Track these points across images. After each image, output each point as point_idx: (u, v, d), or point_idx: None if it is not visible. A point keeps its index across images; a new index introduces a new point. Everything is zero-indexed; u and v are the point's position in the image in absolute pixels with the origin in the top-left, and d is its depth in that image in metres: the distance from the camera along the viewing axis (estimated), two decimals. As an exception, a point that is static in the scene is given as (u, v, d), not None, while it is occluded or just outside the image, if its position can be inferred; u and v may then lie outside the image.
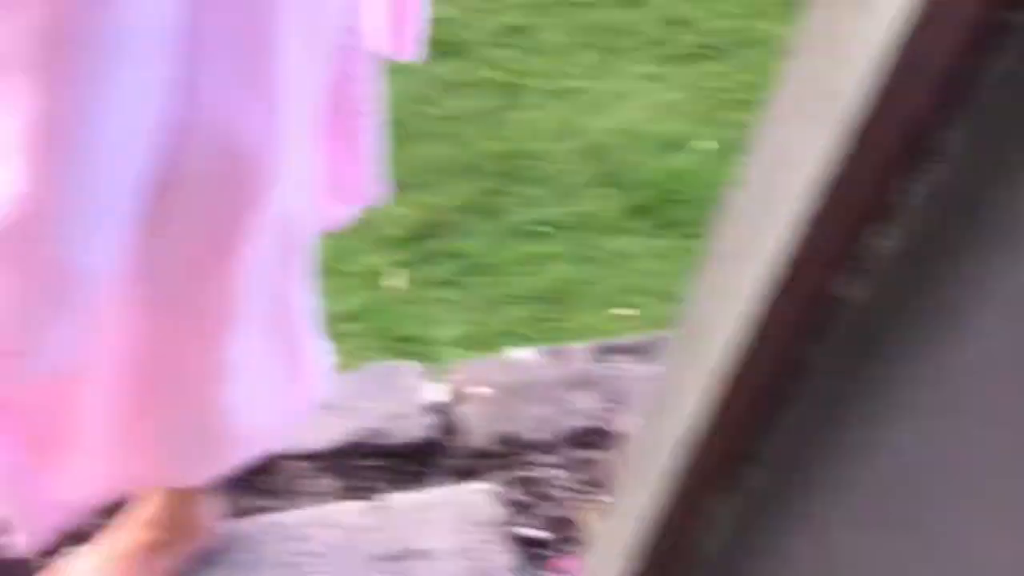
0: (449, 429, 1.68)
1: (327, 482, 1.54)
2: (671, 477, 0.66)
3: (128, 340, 0.89)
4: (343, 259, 2.35)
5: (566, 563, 1.38)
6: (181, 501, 1.22)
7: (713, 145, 2.83)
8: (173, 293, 0.88)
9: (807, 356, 0.51)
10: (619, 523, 0.79)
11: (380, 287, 2.34)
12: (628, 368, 1.81)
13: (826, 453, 0.52)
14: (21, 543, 1.04)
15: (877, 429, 0.48)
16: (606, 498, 0.95)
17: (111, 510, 1.29)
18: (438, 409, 1.72)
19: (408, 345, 2.15)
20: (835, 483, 0.51)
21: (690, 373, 0.63)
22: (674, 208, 2.61)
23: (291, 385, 1.12)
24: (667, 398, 0.70)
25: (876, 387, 0.48)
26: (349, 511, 1.39)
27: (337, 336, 1.23)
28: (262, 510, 1.47)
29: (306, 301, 1.08)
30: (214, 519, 1.29)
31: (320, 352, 1.15)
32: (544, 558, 1.47)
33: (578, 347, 1.85)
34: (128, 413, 0.95)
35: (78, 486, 1.01)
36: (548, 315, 2.27)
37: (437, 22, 1.22)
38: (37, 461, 0.97)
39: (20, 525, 1.02)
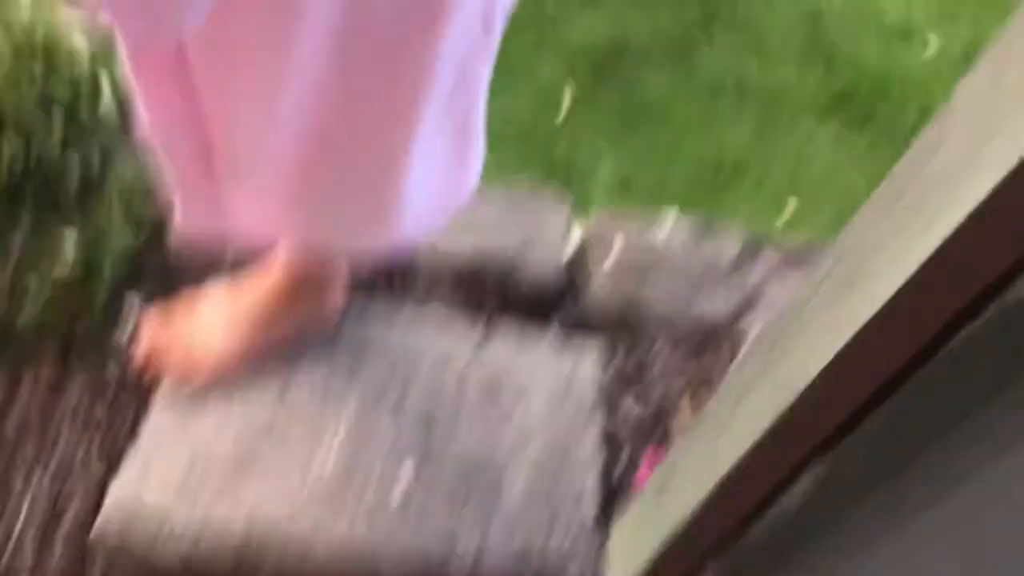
0: (578, 275, 1.66)
1: (446, 294, 1.56)
2: (778, 418, 0.63)
3: (322, 94, 0.87)
4: (519, 61, 2.27)
5: (652, 457, 1.39)
6: (311, 279, 1.25)
7: (948, 45, 2.54)
8: (373, 53, 0.85)
9: (951, 344, 0.45)
10: (701, 458, 0.77)
11: (546, 100, 2.26)
12: (774, 271, 1.73)
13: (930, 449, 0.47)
14: (176, 223, 1.06)
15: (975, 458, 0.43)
16: (703, 408, 0.92)
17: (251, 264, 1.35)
18: (573, 252, 1.69)
19: (560, 172, 2.09)
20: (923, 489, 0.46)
21: (832, 314, 0.58)
22: (881, 104, 2.39)
23: (457, 172, 1.10)
24: (801, 333, 0.65)
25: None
26: (459, 332, 1.41)
27: (492, 138, 1.17)
28: (387, 297, 1.50)
29: (484, 90, 1.03)
30: (336, 304, 1.32)
31: (480, 147, 1.11)
32: (631, 442, 1.48)
33: (730, 233, 1.77)
34: (310, 160, 0.93)
35: (244, 211, 1.02)
36: (711, 182, 2.17)
37: None
38: (208, 169, 0.97)
39: (180, 204, 1.04)
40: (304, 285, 1.29)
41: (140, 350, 1.28)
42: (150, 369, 1.29)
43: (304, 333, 1.32)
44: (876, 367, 0.53)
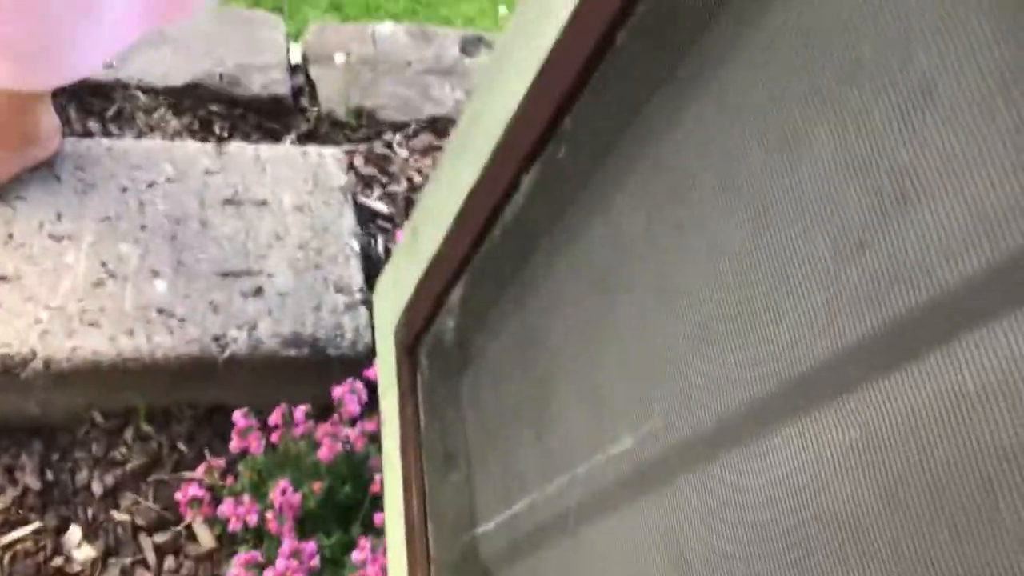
0: (304, 92, 1.67)
1: (170, 120, 1.51)
2: (494, 150, 0.71)
3: None
4: None
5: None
6: (11, 104, 1.18)
7: None
8: None
9: (617, 43, 0.55)
10: (446, 190, 0.85)
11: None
12: (492, 64, 1.81)
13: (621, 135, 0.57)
14: None
15: (671, 117, 0.53)
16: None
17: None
18: (296, 68, 1.69)
19: (272, -1, 2.04)
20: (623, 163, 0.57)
21: (518, 57, 0.66)
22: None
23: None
24: (496, 80, 0.73)
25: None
26: (191, 150, 1.39)
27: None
28: (104, 136, 1.44)
29: None
30: (48, 133, 1.26)
31: None
32: (384, 230, 1.55)
33: (447, 32, 1.83)
34: None
35: None
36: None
37: None
38: None
39: None
40: (1, 122, 1.21)
41: None
42: None
43: (19, 173, 1.25)
44: (561, 79, 0.61)
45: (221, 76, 1.56)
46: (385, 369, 1.05)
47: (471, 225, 0.75)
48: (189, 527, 1.16)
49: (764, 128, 0.44)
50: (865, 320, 0.38)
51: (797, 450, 0.41)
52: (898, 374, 0.36)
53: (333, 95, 1.65)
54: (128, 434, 1.20)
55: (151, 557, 1.12)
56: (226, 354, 1.19)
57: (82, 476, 1.16)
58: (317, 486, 1.10)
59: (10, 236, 1.20)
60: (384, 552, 1.05)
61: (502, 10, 2.26)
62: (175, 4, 1.10)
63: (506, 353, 0.74)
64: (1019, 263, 0.32)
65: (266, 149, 1.44)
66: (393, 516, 0.97)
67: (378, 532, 1.11)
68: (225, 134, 1.53)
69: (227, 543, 1.15)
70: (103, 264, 1.21)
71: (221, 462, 1.15)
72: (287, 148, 1.48)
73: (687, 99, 0.50)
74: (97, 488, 1.15)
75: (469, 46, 1.82)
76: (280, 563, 1.01)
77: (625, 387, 0.54)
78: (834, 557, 0.38)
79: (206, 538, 1.15)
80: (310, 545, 1.03)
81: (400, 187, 1.59)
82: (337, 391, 1.17)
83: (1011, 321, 0.32)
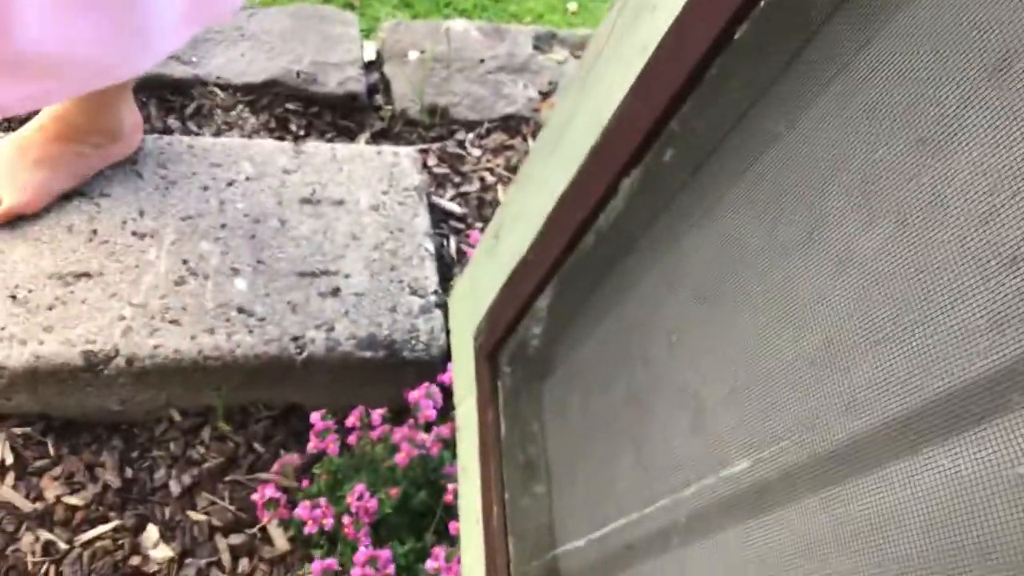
0: (379, 89, 1.66)
1: (248, 117, 1.52)
2: (590, 152, 0.68)
3: None
4: None
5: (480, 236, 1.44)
6: (93, 100, 1.19)
7: None
8: None
9: (736, 36, 0.51)
10: (534, 193, 0.82)
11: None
12: (567, 61, 1.78)
13: (736, 135, 0.54)
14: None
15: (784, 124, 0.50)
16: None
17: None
18: (370, 66, 1.68)
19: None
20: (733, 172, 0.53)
21: (628, 44, 0.63)
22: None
23: None
24: (592, 78, 0.70)
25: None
26: (269, 148, 1.39)
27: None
28: (183, 133, 1.45)
29: None
30: (130, 129, 1.27)
31: None
32: (457, 231, 1.53)
33: (520, 29, 1.80)
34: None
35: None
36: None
37: None
38: None
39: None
40: (83, 120, 1.22)
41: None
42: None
43: (102, 169, 1.26)
44: (670, 78, 0.58)
45: (298, 73, 1.56)
46: (463, 374, 1.03)
47: (562, 230, 0.73)
48: (264, 529, 1.16)
49: (910, 123, 0.40)
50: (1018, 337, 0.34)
51: (941, 474, 0.38)
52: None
53: (407, 92, 1.64)
54: (205, 433, 1.21)
55: (226, 559, 1.12)
56: (304, 355, 1.18)
57: (160, 474, 1.17)
58: (394, 492, 1.09)
59: (94, 232, 1.22)
60: (458, 561, 1.03)
61: (571, 6, 2.23)
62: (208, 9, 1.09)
63: (598, 364, 0.71)
64: None
65: (342, 148, 1.43)
66: (469, 525, 0.95)
67: (451, 541, 1.10)
68: (301, 132, 1.53)
69: (301, 546, 1.15)
70: (184, 262, 1.22)
71: (296, 460, 1.15)
72: (362, 147, 1.47)
73: (817, 87, 0.47)
74: (175, 487, 1.16)
75: (542, 43, 1.79)
76: (356, 572, 1.00)
77: (736, 405, 0.51)
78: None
79: (280, 541, 1.15)
80: (385, 552, 1.02)
81: (473, 187, 1.58)
82: (412, 395, 1.16)
83: None
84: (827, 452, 0.45)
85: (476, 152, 1.63)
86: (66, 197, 1.24)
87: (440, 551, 1.04)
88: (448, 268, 1.42)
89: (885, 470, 0.42)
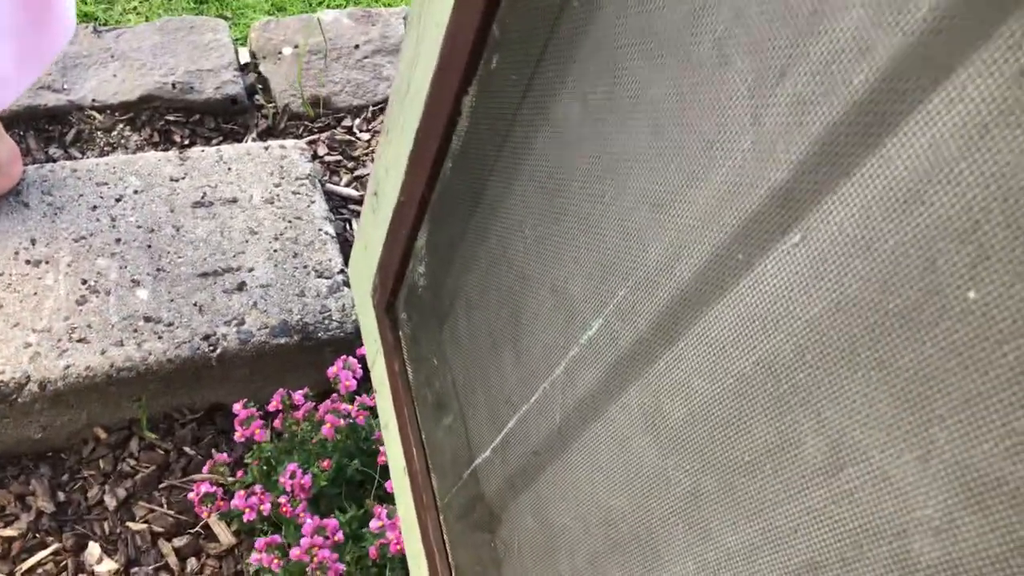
0: (257, 90, 1.67)
1: (130, 135, 1.51)
2: (431, 80, 0.71)
3: None
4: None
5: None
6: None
7: None
8: None
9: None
10: (397, 141, 0.85)
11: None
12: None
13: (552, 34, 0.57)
14: None
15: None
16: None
17: None
18: (245, 68, 1.69)
19: (212, 6, 2.04)
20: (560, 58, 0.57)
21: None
22: None
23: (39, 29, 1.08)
24: (422, 16, 0.73)
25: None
26: (154, 160, 1.39)
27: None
28: (67, 160, 1.44)
29: None
30: (7, 160, 1.26)
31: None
32: (357, 213, 1.55)
33: (391, 11, 1.82)
34: None
35: None
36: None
37: None
38: None
39: None
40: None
41: None
42: None
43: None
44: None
45: (174, 85, 1.56)
46: (369, 335, 1.06)
47: (423, 163, 0.76)
48: (207, 527, 1.16)
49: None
50: (799, 142, 0.38)
51: (755, 280, 0.41)
52: (842, 185, 0.36)
53: (287, 88, 1.65)
54: (133, 445, 1.21)
55: (173, 561, 1.13)
56: (218, 351, 1.19)
57: (94, 492, 1.17)
58: (326, 463, 1.11)
59: (-15, 268, 1.21)
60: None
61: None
62: (40, 51, 1.13)
63: (477, 283, 0.75)
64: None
65: (228, 149, 1.44)
66: (399, 477, 0.98)
67: (392, 500, 1.12)
68: (187, 142, 1.53)
69: (246, 537, 1.16)
70: (84, 281, 1.22)
71: (227, 457, 1.16)
72: (249, 145, 1.48)
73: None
74: (110, 502, 1.16)
75: (416, 22, 1.81)
76: (304, 541, 1.02)
77: (588, 275, 0.54)
78: (795, 364, 0.39)
79: (224, 535, 1.16)
80: (333, 521, 1.04)
81: (366, 170, 1.59)
82: (331, 370, 1.18)
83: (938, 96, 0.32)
84: (664, 295, 0.48)
85: (365, 136, 1.65)
86: (-48, 237, 1.23)
87: (382, 510, 1.06)
88: (351, 249, 1.44)
89: (715, 299, 0.46)
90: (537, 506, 0.66)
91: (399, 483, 0.98)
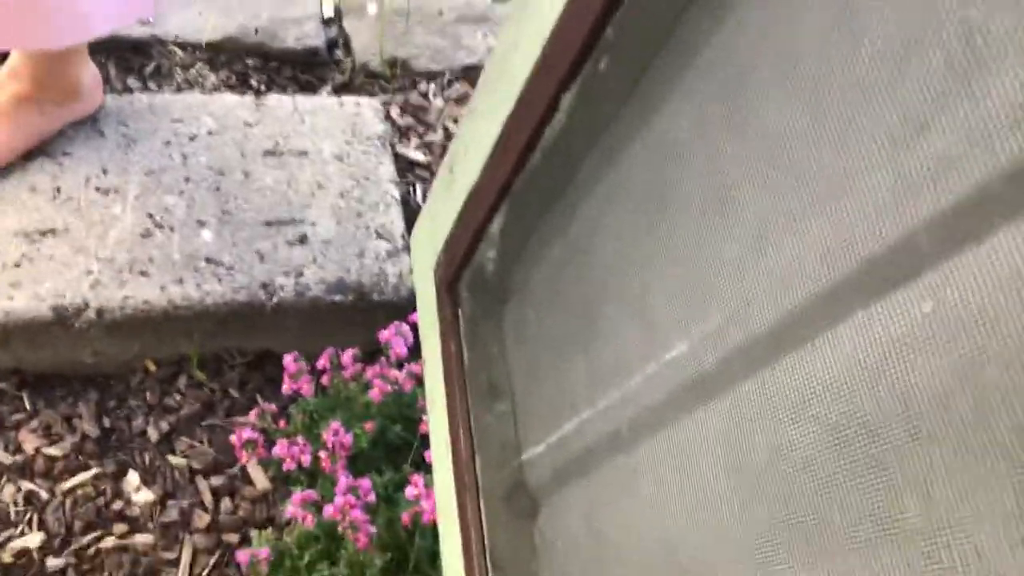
0: (338, 44, 1.67)
1: (208, 75, 1.52)
2: (531, 71, 0.71)
3: None
4: None
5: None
6: (50, 59, 1.19)
7: None
8: None
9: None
10: (484, 122, 0.85)
11: None
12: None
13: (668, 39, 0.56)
14: None
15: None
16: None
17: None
18: (329, 21, 1.69)
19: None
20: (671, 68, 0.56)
21: None
22: None
23: None
24: (528, 2, 0.72)
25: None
26: (230, 103, 1.40)
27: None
28: (144, 92, 1.46)
29: None
30: (90, 86, 1.27)
31: None
32: (423, 179, 1.55)
33: (479, -21, 1.81)
34: None
35: None
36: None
37: None
38: None
39: None
40: (43, 77, 1.23)
41: None
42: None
43: (63, 128, 1.27)
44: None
45: (256, 30, 1.56)
46: (426, 309, 1.06)
47: (510, 151, 0.75)
48: (244, 469, 1.18)
49: (820, 6, 0.43)
50: (932, 199, 0.37)
51: (865, 333, 0.41)
52: (970, 249, 0.35)
53: (367, 46, 1.65)
54: (181, 381, 1.23)
55: (208, 499, 1.15)
56: (274, 300, 1.20)
57: (138, 423, 1.19)
58: (369, 426, 1.12)
59: (58, 190, 1.23)
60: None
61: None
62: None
63: (550, 278, 0.74)
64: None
65: (304, 100, 1.44)
66: (440, 451, 0.98)
67: (429, 470, 1.13)
68: (262, 88, 1.54)
69: (281, 484, 1.18)
70: (150, 215, 1.23)
71: (273, 407, 1.18)
72: (324, 99, 1.48)
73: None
74: (153, 434, 1.18)
75: (502, -8, 1.80)
76: (338, 499, 1.03)
77: (677, 295, 0.54)
78: (905, 433, 0.38)
79: (261, 480, 1.18)
80: (365, 482, 1.05)
81: (437, 136, 1.59)
82: (384, 334, 1.18)
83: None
84: (760, 328, 0.48)
85: (439, 103, 1.64)
86: (28, 157, 1.25)
87: (419, 479, 1.07)
88: (415, 215, 1.44)
89: (815, 339, 0.45)
90: (587, 510, 0.67)
91: (440, 458, 0.98)
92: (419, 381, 1.17)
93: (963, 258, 0.36)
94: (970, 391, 0.35)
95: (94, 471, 1.14)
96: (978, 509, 0.35)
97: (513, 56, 0.77)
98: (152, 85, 1.48)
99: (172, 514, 1.12)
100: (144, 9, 1.17)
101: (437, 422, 1.00)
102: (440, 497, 0.99)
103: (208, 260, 1.21)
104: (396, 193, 1.37)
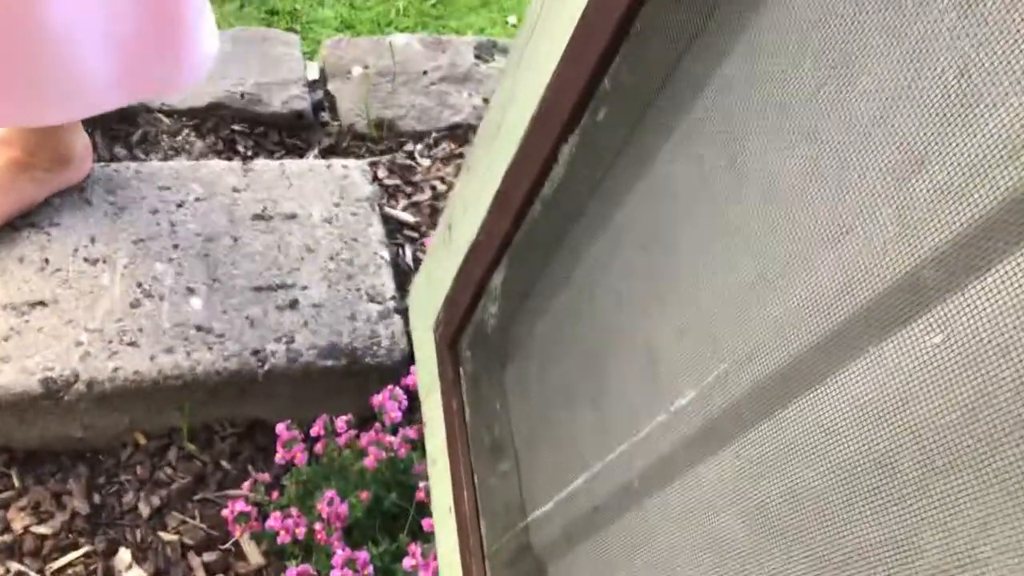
0: (324, 107, 1.67)
1: (194, 141, 1.52)
2: (529, 124, 0.70)
3: None
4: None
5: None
6: (45, 126, 1.19)
7: None
8: None
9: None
10: (481, 179, 0.84)
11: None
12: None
13: (664, 88, 0.56)
14: None
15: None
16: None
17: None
18: (314, 84, 1.70)
19: (282, 20, 2.06)
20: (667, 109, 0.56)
21: (553, 27, 0.66)
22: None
23: (163, 41, 1.08)
24: (527, 53, 0.72)
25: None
26: (217, 168, 1.39)
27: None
28: (131, 161, 1.45)
29: None
30: (81, 154, 1.27)
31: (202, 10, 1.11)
32: (412, 239, 1.54)
33: (461, 40, 1.83)
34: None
35: None
36: (430, 11, 2.21)
37: None
38: None
39: None
40: (35, 145, 1.22)
41: None
42: None
43: (51, 198, 1.26)
44: (597, 37, 0.60)
45: (242, 95, 1.57)
46: (426, 369, 1.04)
47: (510, 205, 0.74)
48: (237, 545, 1.15)
49: (813, 54, 0.43)
50: (935, 232, 0.37)
51: (876, 368, 0.39)
52: (977, 280, 0.34)
53: (353, 108, 1.65)
54: (171, 454, 1.20)
55: None
56: (265, 367, 1.18)
57: (128, 498, 1.16)
58: (364, 495, 1.09)
59: (46, 261, 1.21)
60: (435, 557, 1.03)
61: (512, 19, 2.27)
62: (158, 82, 1.13)
63: (553, 331, 0.73)
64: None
65: (291, 164, 1.44)
66: (443, 515, 0.96)
67: (426, 538, 1.10)
68: (249, 152, 1.54)
69: (275, 559, 1.14)
70: (139, 284, 1.22)
71: (266, 476, 1.15)
72: (311, 162, 1.48)
73: (728, 40, 0.49)
74: (144, 509, 1.15)
75: (484, 52, 1.82)
76: (335, 573, 1.00)
77: (683, 341, 0.53)
78: (920, 466, 0.37)
79: (254, 555, 1.14)
80: (363, 554, 1.02)
81: (425, 196, 1.59)
82: (377, 398, 1.16)
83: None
84: (770, 370, 0.46)
85: (426, 162, 1.64)
86: (14, 228, 1.23)
87: (416, 548, 1.04)
88: (405, 276, 1.43)
89: (824, 380, 0.44)
90: (599, 568, 0.64)
91: (442, 522, 0.96)
92: (414, 446, 1.15)
93: (970, 289, 0.35)
94: (983, 420, 0.34)
95: (84, 549, 1.10)
96: (998, 541, 0.34)
97: (510, 110, 0.76)
98: (139, 153, 1.48)
99: (165, 592, 1.08)
100: (148, 89, 1.16)
101: (439, 483, 0.98)
102: (444, 564, 0.96)
103: (198, 328, 1.19)
104: (386, 254, 1.36)
